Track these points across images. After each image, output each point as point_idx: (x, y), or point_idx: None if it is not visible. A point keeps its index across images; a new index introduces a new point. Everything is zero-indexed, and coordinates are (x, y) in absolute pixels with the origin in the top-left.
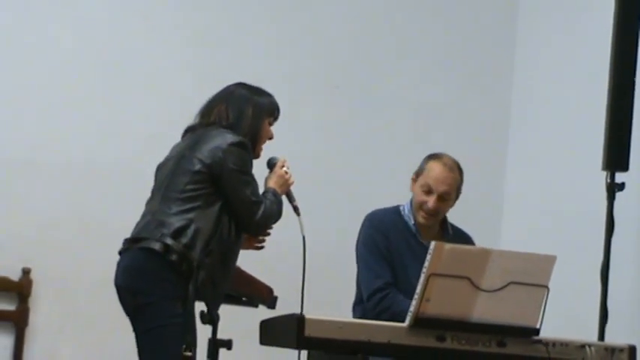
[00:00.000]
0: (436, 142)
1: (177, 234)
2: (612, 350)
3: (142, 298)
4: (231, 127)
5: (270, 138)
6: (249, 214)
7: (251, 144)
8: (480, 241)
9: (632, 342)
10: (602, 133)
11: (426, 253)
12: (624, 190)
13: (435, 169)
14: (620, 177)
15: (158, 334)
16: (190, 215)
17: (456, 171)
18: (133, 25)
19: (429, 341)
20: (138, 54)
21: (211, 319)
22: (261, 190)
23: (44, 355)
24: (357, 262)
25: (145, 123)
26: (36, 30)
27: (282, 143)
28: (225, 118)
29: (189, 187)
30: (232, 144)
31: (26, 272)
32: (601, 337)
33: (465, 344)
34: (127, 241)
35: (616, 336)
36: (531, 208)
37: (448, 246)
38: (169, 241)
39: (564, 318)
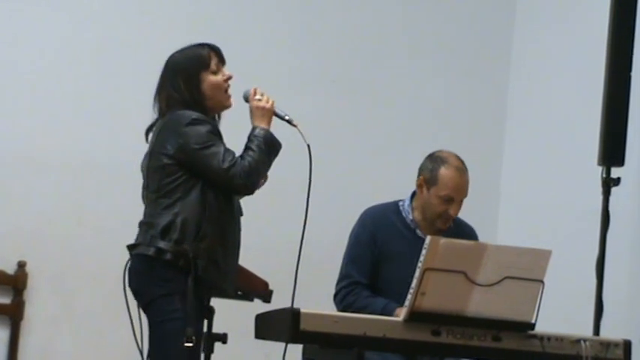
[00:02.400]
0: (432, 136)
1: (166, 232)
2: (607, 345)
3: (144, 298)
4: (178, 105)
5: (227, 80)
6: (228, 183)
7: (204, 104)
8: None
9: (627, 337)
10: (598, 128)
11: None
12: (620, 185)
13: (452, 178)
14: (615, 172)
15: (160, 330)
16: (175, 209)
17: (466, 170)
18: (133, 22)
19: (424, 335)
20: (137, 50)
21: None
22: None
23: (39, 349)
24: None
25: (142, 118)
26: (33, 26)
27: (278, 137)
28: (167, 100)
29: (164, 182)
30: (185, 125)
31: (21, 265)
32: (596, 331)
33: (460, 338)
34: (127, 248)
35: (611, 330)
36: (527, 202)
37: (443, 240)
38: (160, 242)
39: (559, 312)
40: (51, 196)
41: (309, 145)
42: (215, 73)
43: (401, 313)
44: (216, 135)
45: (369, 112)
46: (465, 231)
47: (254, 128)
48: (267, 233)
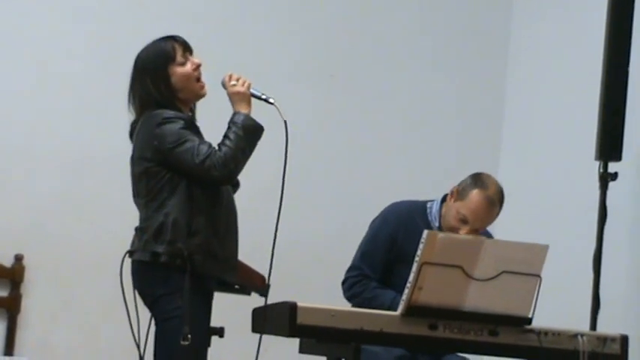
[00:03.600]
0: (430, 133)
1: (158, 234)
2: (604, 340)
3: (148, 298)
4: (151, 106)
5: (196, 69)
6: (205, 176)
7: (177, 97)
8: None
9: (624, 331)
10: (596, 123)
11: None
12: (617, 180)
13: (477, 203)
14: (613, 167)
15: (165, 328)
16: (165, 210)
17: (497, 205)
18: (132, 15)
19: (421, 330)
20: (136, 44)
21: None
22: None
23: (37, 342)
24: None
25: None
26: (30, 22)
27: (276, 134)
28: (140, 101)
29: (150, 185)
30: (157, 126)
31: (19, 258)
32: (593, 326)
33: (457, 333)
34: (127, 254)
35: (608, 325)
36: (524, 197)
37: (441, 235)
38: (154, 246)
39: (557, 307)
40: (49, 189)
41: (285, 122)
42: (183, 64)
43: None
44: (190, 129)
45: (367, 106)
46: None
47: (233, 114)
48: (264, 227)
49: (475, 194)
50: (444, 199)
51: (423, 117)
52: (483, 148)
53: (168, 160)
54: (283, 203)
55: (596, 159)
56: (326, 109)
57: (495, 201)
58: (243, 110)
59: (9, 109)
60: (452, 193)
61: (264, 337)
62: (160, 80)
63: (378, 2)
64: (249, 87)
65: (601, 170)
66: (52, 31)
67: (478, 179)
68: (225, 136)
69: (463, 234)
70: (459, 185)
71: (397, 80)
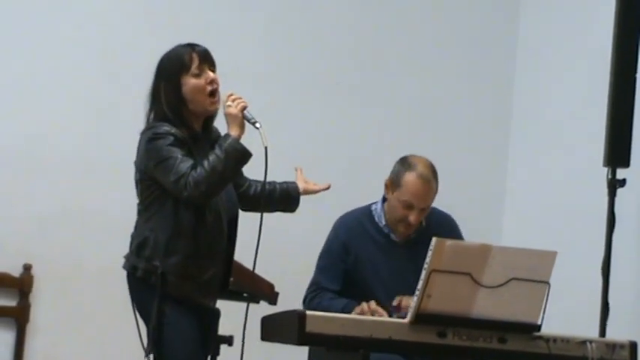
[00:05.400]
0: (438, 138)
1: (140, 249)
2: (613, 346)
3: (136, 306)
4: (158, 109)
5: (211, 83)
6: (179, 195)
7: (187, 108)
8: (482, 237)
9: (633, 338)
10: (604, 129)
11: (397, 249)
12: (625, 186)
13: (414, 184)
14: (621, 173)
15: (156, 338)
16: (150, 224)
17: (433, 180)
18: (131, 18)
19: (430, 337)
20: (141, 51)
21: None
22: None
23: (45, 352)
24: None
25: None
26: (35, 26)
27: (282, 140)
28: (150, 102)
29: (143, 196)
30: (147, 142)
31: (27, 268)
32: (602, 333)
33: (465, 340)
34: None
35: (617, 332)
36: (533, 204)
37: (449, 242)
38: (134, 259)
39: (565, 314)
40: (57, 199)
41: (266, 148)
42: (197, 75)
43: (364, 306)
44: (179, 146)
45: (372, 114)
46: (437, 226)
47: (223, 135)
48: (273, 236)
49: (408, 177)
50: (384, 199)
51: (430, 123)
52: (491, 154)
53: (154, 177)
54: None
55: (604, 165)
56: (332, 116)
57: (429, 176)
58: (233, 132)
59: (16, 118)
60: (386, 186)
61: (273, 345)
62: (170, 87)
63: (384, 8)
64: (242, 109)
65: (609, 176)
66: (56, 37)
67: (405, 162)
68: (207, 157)
69: (413, 219)
70: (389, 176)
71: (403, 87)
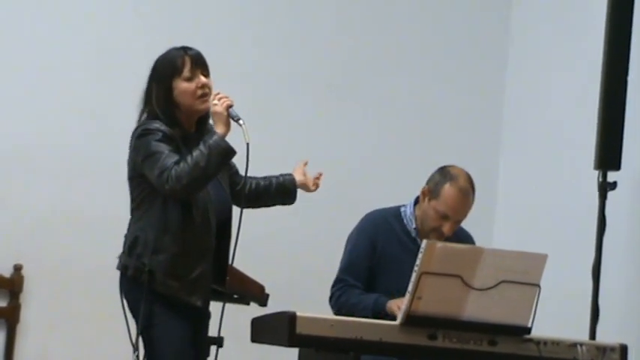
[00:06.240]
0: (429, 140)
1: (131, 248)
2: (604, 349)
3: (128, 305)
4: (150, 109)
5: (201, 88)
6: (161, 188)
7: (179, 111)
8: None
9: (623, 341)
10: (595, 132)
11: None
12: (616, 189)
13: (454, 197)
14: (612, 176)
15: (144, 336)
16: (140, 223)
17: (471, 193)
18: (126, 18)
19: (420, 339)
20: (130, 48)
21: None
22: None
23: (36, 352)
24: None
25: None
26: (29, 26)
27: (276, 142)
28: (143, 101)
29: (134, 194)
30: (136, 138)
31: (17, 269)
32: (592, 335)
33: (456, 342)
34: None
35: (607, 335)
36: (523, 206)
37: (440, 244)
38: (125, 259)
39: (556, 317)
40: (47, 199)
41: (248, 144)
42: (188, 79)
43: (394, 306)
44: (166, 142)
45: (364, 116)
46: (463, 238)
47: (210, 133)
48: (262, 238)
49: (448, 189)
50: (416, 202)
51: (421, 125)
52: (482, 157)
53: (143, 173)
54: (282, 211)
55: (595, 168)
56: (323, 120)
57: (469, 189)
58: (219, 130)
59: (6, 117)
60: (423, 193)
61: (263, 346)
62: (162, 89)
63: (377, 11)
64: (227, 107)
65: (600, 179)
66: (50, 38)
67: (446, 173)
68: (191, 153)
69: (446, 229)
70: (428, 184)
71: (394, 90)
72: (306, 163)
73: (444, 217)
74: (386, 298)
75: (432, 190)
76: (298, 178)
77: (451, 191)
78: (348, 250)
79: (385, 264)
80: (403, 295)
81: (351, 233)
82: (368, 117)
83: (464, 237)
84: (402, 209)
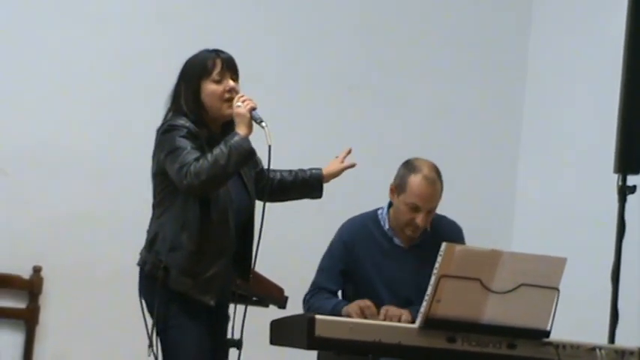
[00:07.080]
0: (448, 143)
1: (151, 244)
2: (623, 353)
3: (147, 307)
4: (177, 108)
5: (229, 91)
6: (180, 184)
7: (205, 112)
8: (492, 242)
9: None
10: (614, 136)
11: (401, 253)
12: (635, 193)
13: (419, 186)
14: (631, 180)
15: (162, 340)
16: (161, 219)
17: (438, 181)
18: (143, 22)
19: (439, 342)
20: (151, 51)
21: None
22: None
23: (55, 354)
24: None
25: (157, 119)
26: (51, 31)
27: (298, 144)
28: (170, 100)
29: (157, 190)
30: (161, 134)
31: (37, 270)
32: (611, 339)
33: (475, 346)
34: None
35: (627, 338)
36: (543, 210)
37: (459, 247)
38: (145, 255)
39: (575, 320)
40: (67, 200)
41: (270, 147)
42: (217, 82)
43: (351, 311)
44: (190, 139)
45: (385, 117)
46: (442, 232)
47: (231, 134)
48: (282, 240)
49: (413, 179)
50: (390, 204)
51: (440, 129)
52: (501, 161)
53: (166, 169)
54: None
55: (614, 172)
56: (344, 122)
57: (434, 177)
58: (241, 132)
59: (28, 120)
60: (391, 190)
61: (282, 349)
62: (190, 90)
63: (396, 14)
64: (250, 109)
65: (620, 183)
66: (72, 42)
67: (409, 165)
68: (212, 151)
69: (420, 221)
70: (394, 181)
71: (415, 92)
72: (349, 151)
73: (415, 208)
74: (344, 303)
75: (398, 185)
76: (336, 167)
77: (417, 181)
78: (324, 255)
79: (363, 266)
80: (371, 298)
81: (331, 240)
82: (389, 118)
83: (449, 229)
84: (380, 211)
